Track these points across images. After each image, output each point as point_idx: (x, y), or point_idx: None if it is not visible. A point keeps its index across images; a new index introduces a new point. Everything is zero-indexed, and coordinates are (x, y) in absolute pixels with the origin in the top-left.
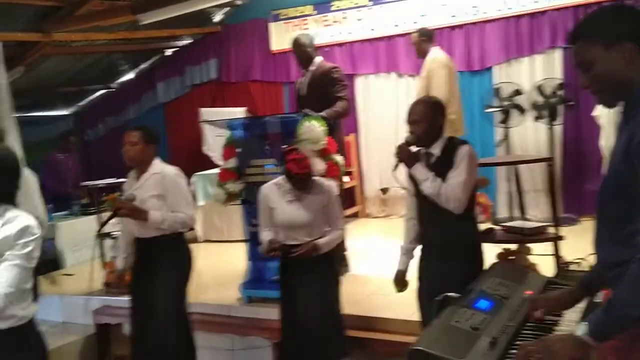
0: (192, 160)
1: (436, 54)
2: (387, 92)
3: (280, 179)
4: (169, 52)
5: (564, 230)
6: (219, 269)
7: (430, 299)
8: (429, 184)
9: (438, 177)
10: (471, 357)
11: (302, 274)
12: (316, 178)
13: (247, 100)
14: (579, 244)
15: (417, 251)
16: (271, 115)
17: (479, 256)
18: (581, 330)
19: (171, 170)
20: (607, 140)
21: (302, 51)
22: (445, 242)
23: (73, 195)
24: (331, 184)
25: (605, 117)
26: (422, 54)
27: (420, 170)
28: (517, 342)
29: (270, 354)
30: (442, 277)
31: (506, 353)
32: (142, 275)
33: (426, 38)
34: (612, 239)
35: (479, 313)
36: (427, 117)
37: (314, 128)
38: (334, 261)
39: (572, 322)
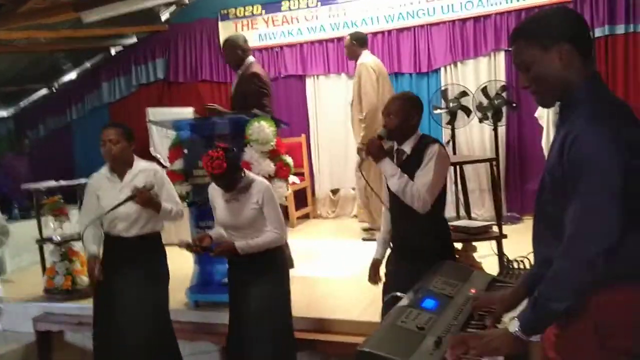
0: None
1: (365, 59)
2: (337, 93)
3: None
4: (114, 51)
5: (507, 229)
6: None
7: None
8: (396, 180)
9: (406, 175)
10: (416, 357)
11: (248, 276)
12: (255, 178)
13: (196, 101)
14: (522, 242)
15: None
16: (219, 116)
17: (450, 255)
18: (513, 325)
19: (156, 165)
20: (548, 141)
21: (231, 52)
22: (414, 241)
23: (16, 198)
24: (267, 185)
25: (547, 117)
26: (353, 57)
27: (388, 165)
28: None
29: (219, 359)
30: (409, 277)
31: None
32: (117, 279)
33: (357, 42)
34: (550, 236)
35: (425, 312)
36: (402, 112)
37: (263, 129)
38: (282, 263)
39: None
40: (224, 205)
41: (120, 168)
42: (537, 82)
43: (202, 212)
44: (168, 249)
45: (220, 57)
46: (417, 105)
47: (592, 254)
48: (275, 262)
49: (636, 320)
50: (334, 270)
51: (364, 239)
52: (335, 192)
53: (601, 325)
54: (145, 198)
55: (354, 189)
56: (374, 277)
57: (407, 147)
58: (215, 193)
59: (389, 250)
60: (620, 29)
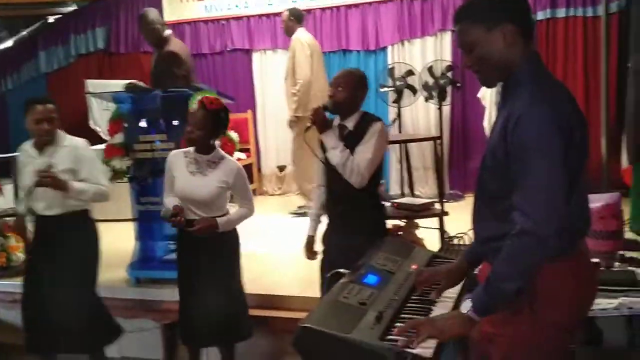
0: (77, 135)
1: (299, 35)
2: (284, 69)
3: (190, 148)
4: (52, 19)
5: (450, 206)
6: (106, 250)
7: (331, 270)
8: (338, 153)
9: (347, 149)
10: (357, 332)
11: (201, 252)
12: (226, 155)
13: (138, 73)
14: (463, 220)
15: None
16: (139, 93)
17: (382, 231)
18: (466, 306)
19: (80, 142)
20: (489, 121)
21: (146, 31)
22: (350, 215)
23: None
24: (238, 165)
25: (489, 98)
26: (290, 33)
27: (331, 137)
28: (402, 316)
29: (159, 336)
30: (345, 250)
31: (390, 326)
32: (44, 258)
33: (295, 18)
34: (490, 214)
35: (366, 288)
36: (350, 86)
37: None
38: (235, 239)
39: (451, 295)
40: (187, 176)
41: (42, 143)
42: (480, 62)
43: (143, 188)
44: (109, 225)
45: None
46: (365, 83)
47: (545, 234)
48: (230, 237)
49: (565, 293)
50: (281, 247)
51: (291, 213)
52: (281, 168)
53: (535, 300)
54: (45, 180)
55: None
56: (310, 254)
57: (349, 123)
58: (177, 162)
59: (321, 226)
60: (561, 12)
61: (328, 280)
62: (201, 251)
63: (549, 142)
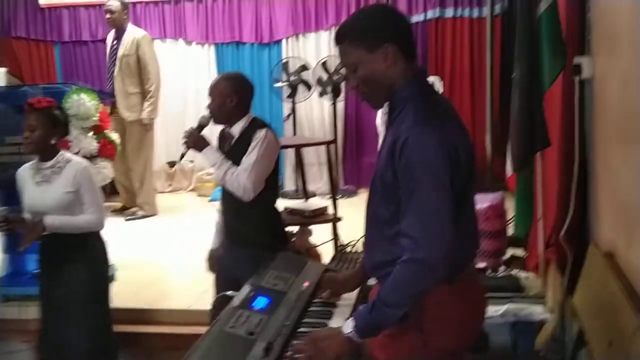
0: None
1: (139, 31)
2: (174, 61)
3: (38, 158)
4: None
5: (344, 202)
6: None
7: (224, 285)
8: (216, 170)
9: (229, 161)
10: None
11: (58, 265)
12: (73, 158)
13: (9, 61)
14: (357, 222)
15: None
16: (31, 85)
17: (274, 242)
18: (347, 327)
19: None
20: (381, 118)
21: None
22: (238, 227)
23: None
24: (85, 164)
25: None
26: (119, 24)
27: (209, 155)
28: (294, 342)
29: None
30: (236, 264)
31: (281, 356)
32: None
33: (127, 11)
34: (381, 239)
35: (255, 314)
36: (219, 94)
37: (83, 102)
38: (98, 247)
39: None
40: (33, 188)
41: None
42: (364, 82)
43: (8, 196)
44: None
45: (38, 12)
46: (236, 86)
47: (433, 260)
48: (89, 246)
49: (452, 319)
50: (168, 253)
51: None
52: (172, 164)
53: (424, 325)
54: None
55: (192, 161)
56: (213, 268)
57: (235, 130)
58: (24, 176)
59: None
60: (449, 13)
61: (214, 304)
62: (58, 265)
63: (434, 166)
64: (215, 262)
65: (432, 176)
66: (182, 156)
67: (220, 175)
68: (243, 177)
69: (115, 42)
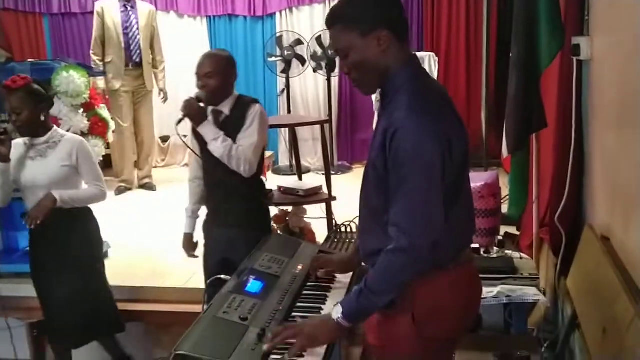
0: None
1: (149, 5)
2: (165, 34)
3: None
4: None
5: (338, 178)
6: None
7: (215, 267)
8: (219, 144)
9: (228, 138)
10: (237, 356)
11: (53, 242)
12: (66, 134)
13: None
14: (352, 197)
15: (203, 212)
16: (20, 62)
17: (265, 222)
18: (336, 312)
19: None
20: (376, 95)
21: None
22: (230, 207)
23: None
24: (80, 139)
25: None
26: None
27: (209, 129)
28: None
29: (25, 335)
30: (227, 244)
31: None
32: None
33: None
34: (374, 227)
35: (248, 299)
36: (221, 71)
37: (73, 79)
38: (91, 224)
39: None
40: (28, 163)
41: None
42: (356, 68)
43: None
44: None
45: None
46: (233, 64)
47: (419, 248)
48: (84, 223)
49: (445, 309)
50: (162, 231)
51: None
52: (164, 139)
53: (418, 315)
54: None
55: (185, 136)
56: (190, 251)
57: (225, 108)
58: (17, 152)
59: (199, 222)
60: None
61: (207, 287)
62: (53, 241)
63: (425, 156)
64: (193, 246)
65: (421, 167)
66: (180, 121)
67: (226, 150)
68: (249, 152)
69: (131, 13)
